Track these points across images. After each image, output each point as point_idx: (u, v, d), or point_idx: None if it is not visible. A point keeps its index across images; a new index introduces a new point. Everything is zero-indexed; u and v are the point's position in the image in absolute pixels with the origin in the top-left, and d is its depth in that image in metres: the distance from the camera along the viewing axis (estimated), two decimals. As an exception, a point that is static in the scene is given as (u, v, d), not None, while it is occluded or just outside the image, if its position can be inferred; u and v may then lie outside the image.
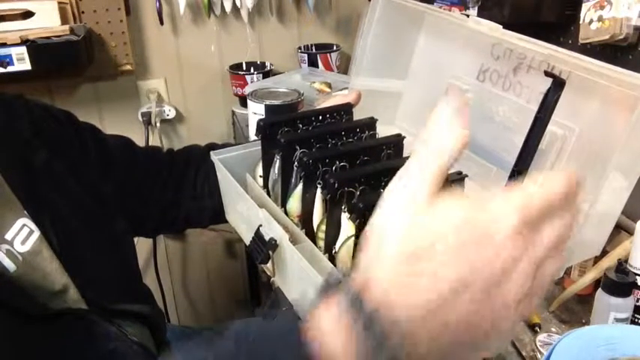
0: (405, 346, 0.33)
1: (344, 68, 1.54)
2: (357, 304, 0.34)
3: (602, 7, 0.83)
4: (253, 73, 1.44)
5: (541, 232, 0.35)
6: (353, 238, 0.57)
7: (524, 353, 0.74)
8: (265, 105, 1.02)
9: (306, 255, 0.59)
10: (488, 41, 0.59)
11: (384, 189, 0.59)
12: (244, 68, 1.48)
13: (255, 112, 1.04)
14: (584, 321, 0.80)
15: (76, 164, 0.76)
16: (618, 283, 0.69)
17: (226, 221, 0.87)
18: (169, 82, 1.51)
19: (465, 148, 0.37)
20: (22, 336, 0.56)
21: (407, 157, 0.64)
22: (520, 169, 0.54)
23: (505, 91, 0.62)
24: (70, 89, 1.43)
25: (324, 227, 0.63)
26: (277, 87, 1.13)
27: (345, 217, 0.59)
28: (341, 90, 1.24)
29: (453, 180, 0.57)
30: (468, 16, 0.61)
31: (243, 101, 1.43)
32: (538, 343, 0.76)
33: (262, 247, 0.66)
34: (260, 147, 0.74)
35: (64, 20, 1.26)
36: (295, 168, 0.67)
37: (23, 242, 0.61)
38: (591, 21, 0.84)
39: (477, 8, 1.00)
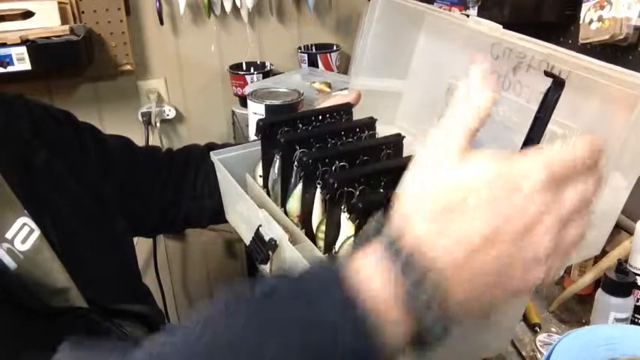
0: (440, 290, 0.35)
1: (344, 68, 1.54)
2: (394, 250, 0.36)
3: (602, 7, 0.83)
4: (253, 73, 1.44)
5: (565, 192, 0.37)
6: (353, 238, 0.57)
7: (524, 353, 0.74)
8: (265, 105, 1.02)
9: (306, 255, 0.59)
10: (488, 41, 0.59)
11: (383, 189, 0.60)
12: (244, 68, 1.48)
13: (255, 112, 1.04)
14: (584, 321, 0.80)
15: (75, 164, 0.76)
16: (618, 283, 0.69)
17: (226, 221, 0.87)
18: (169, 82, 1.51)
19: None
20: (23, 332, 0.56)
21: (407, 157, 0.64)
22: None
23: (505, 91, 0.62)
24: (70, 89, 1.43)
25: (323, 227, 0.63)
26: (277, 87, 1.13)
27: (344, 217, 0.59)
28: (341, 90, 1.24)
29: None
30: (467, 16, 0.61)
31: (243, 101, 1.43)
32: (538, 343, 0.76)
33: (262, 248, 0.66)
34: (260, 147, 0.74)
35: (64, 20, 1.26)
36: (295, 168, 0.67)
37: (23, 241, 0.61)
38: (591, 21, 0.84)
39: (476, 8, 1.00)
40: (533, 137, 0.49)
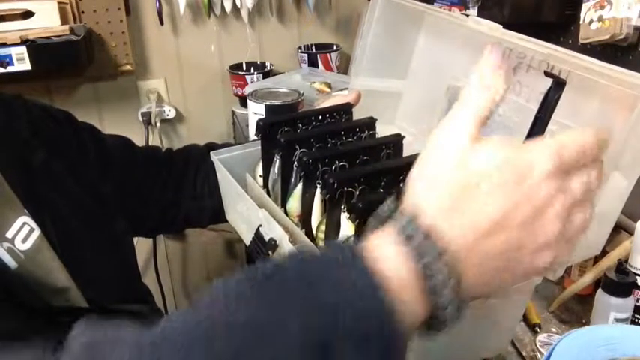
0: (455, 271, 0.36)
1: (344, 68, 1.54)
2: (410, 231, 0.37)
3: (602, 7, 0.83)
4: (253, 73, 1.44)
5: (572, 180, 0.38)
6: (352, 238, 0.56)
7: (524, 353, 0.74)
8: (265, 105, 1.02)
9: (305, 255, 0.59)
10: (488, 41, 0.59)
11: (383, 189, 0.60)
12: (244, 68, 1.48)
13: (255, 112, 1.04)
14: (584, 321, 0.80)
15: (74, 164, 0.76)
16: (618, 283, 0.69)
17: (226, 221, 0.87)
18: (169, 82, 1.51)
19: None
20: (24, 330, 0.56)
21: (407, 157, 0.64)
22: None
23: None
24: (70, 89, 1.43)
25: (323, 227, 0.63)
26: (277, 87, 1.13)
27: (344, 217, 0.59)
28: (341, 90, 1.24)
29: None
30: (467, 16, 0.61)
31: (243, 101, 1.43)
32: (538, 343, 0.76)
33: (262, 248, 0.66)
34: (260, 147, 0.74)
35: (64, 20, 1.26)
36: (295, 168, 0.67)
37: (24, 240, 0.61)
38: (591, 21, 0.84)
39: (476, 8, 1.00)
40: (534, 137, 0.49)
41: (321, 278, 0.36)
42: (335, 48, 1.52)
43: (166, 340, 0.36)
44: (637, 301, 0.71)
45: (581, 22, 0.87)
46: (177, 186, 0.92)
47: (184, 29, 1.48)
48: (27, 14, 1.23)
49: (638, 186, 0.47)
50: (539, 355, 0.74)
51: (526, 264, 0.38)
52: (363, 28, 0.77)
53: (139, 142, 1.16)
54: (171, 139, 1.57)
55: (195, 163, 0.93)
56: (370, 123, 0.72)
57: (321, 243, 0.63)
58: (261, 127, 0.71)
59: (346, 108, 0.76)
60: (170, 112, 1.52)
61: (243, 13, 1.46)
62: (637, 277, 0.71)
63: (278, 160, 0.70)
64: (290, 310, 0.36)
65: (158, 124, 1.50)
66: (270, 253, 0.64)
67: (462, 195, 0.37)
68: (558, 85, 0.47)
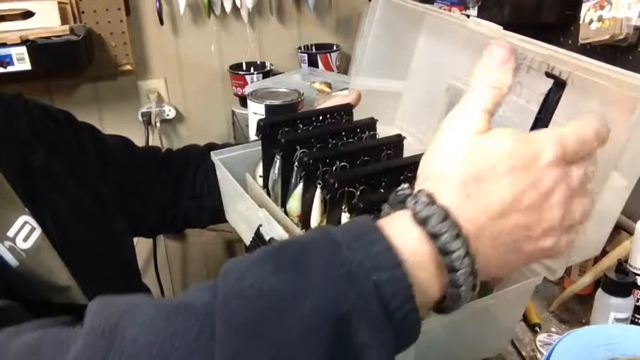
0: (471, 250, 0.37)
1: (344, 68, 1.54)
2: (426, 213, 0.37)
3: (602, 7, 0.83)
4: (253, 73, 1.44)
5: (572, 169, 0.40)
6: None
7: (524, 353, 0.74)
8: (265, 105, 1.02)
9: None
10: (488, 42, 0.59)
11: (384, 189, 0.60)
12: (244, 68, 1.48)
13: (255, 112, 1.04)
14: (584, 321, 0.80)
15: (74, 164, 0.76)
16: (618, 283, 0.69)
17: (226, 221, 0.87)
18: (169, 82, 1.51)
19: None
20: (23, 320, 0.56)
21: (408, 157, 0.64)
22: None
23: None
24: (70, 89, 1.43)
25: (324, 227, 0.63)
26: (277, 87, 1.13)
27: (345, 217, 0.59)
28: (341, 90, 1.24)
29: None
30: (468, 16, 0.61)
31: (243, 101, 1.43)
32: (538, 343, 0.76)
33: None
34: (260, 147, 0.74)
35: (64, 20, 1.26)
36: (295, 168, 0.67)
37: (25, 239, 0.61)
38: (591, 21, 0.84)
39: (476, 8, 1.00)
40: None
41: (339, 249, 0.37)
42: (335, 48, 1.52)
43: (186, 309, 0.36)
44: (637, 301, 0.71)
45: (581, 22, 0.87)
46: (176, 185, 0.92)
47: (184, 29, 1.48)
48: (27, 14, 1.23)
49: (638, 186, 0.47)
50: (539, 355, 0.74)
51: (532, 247, 0.40)
52: (364, 29, 0.77)
53: (139, 142, 1.16)
54: (171, 139, 1.57)
55: (195, 162, 0.93)
56: (371, 123, 0.72)
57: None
58: (261, 127, 0.71)
59: (347, 108, 0.76)
60: (170, 112, 1.52)
61: (243, 13, 1.46)
62: (637, 277, 0.71)
63: (278, 160, 0.70)
64: (308, 280, 0.36)
65: (158, 124, 1.50)
66: (270, 253, 0.64)
67: (474, 179, 0.38)
68: (558, 85, 0.47)
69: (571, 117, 0.41)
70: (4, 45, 1.14)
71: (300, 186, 0.67)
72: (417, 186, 0.41)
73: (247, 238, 0.73)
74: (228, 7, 1.43)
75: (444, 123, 0.42)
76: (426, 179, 0.41)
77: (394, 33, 0.77)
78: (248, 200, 0.72)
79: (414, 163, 0.57)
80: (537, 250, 0.40)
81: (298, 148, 0.67)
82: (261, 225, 0.68)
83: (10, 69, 1.15)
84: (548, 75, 0.47)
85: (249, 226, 0.72)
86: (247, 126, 1.16)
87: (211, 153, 0.79)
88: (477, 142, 0.40)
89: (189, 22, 1.47)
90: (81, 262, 0.67)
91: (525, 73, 0.52)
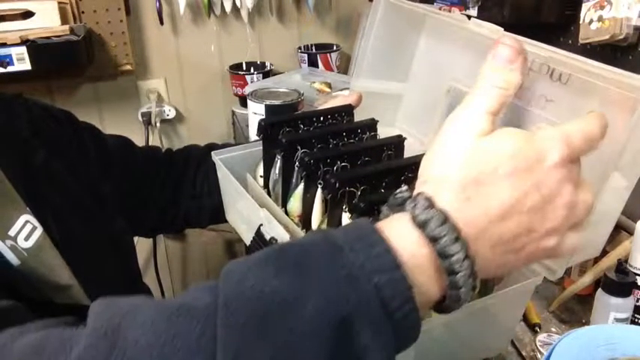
0: (470, 252, 0.37)
1: (344, 68, 1.54)
2: (425, 216, 0.37)
3: (602, 7, 0.83)
4: (253, 73, 1.44)
5: (576, 167, 0.40)
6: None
7: (524, 353, 0.74)
8: (265, 105, 1.02)
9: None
10: (489, 43, 0.59)
11: (385, 189, 0.60)
12: (244, 68, 1.48)
13: (255, 112, 1.04)
14: (584, 321, 0.80)
15: (74, 164, 0.76)
16: (618, 283, 0.69)
17: (226, 221, 0.87)
18: (169, 82, 1.51)
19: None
20: (26, 321, 0.56)
21: (408, 158, 0.65)
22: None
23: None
24: (70, 89, 1.43)
25: (324, 227, 0.63)
26: (277, 87, 1.13)
27: (346, 217, 0.59)
28: (341, 90, 1.24)
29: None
30: (468, 16, 0.61)
31: (243, 101, 1.43)
32: (538, 343, 0.76)
33: (263, 247, 0.66)
34: (260, 147, 0.74)
35: (64, 20, 1.26)
36: (296, 168, 0.68)
37: (26, 238, 0.61)
38: (591, 21, 0.84)
39: (476, 8, 1.00)
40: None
41: (340, 252, 0.37)
42: (335, 48, 1.52)
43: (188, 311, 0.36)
44: (637, 301, 0.72)
45: (581, 22, 0.87)
46: (176, 185, 0.92)
47: (184, 29, 1.48)
48: (27, 14, 1.23)
49: (638, 186, 0.47)
50: (539, 355, 0.74)
51: (534, 247, 0.40)
52: (364, 30, 0.77)
53: (139, 142, 1.16)
54: (171, 139, 1.57)
55: (195, 162, 0.93)
56: (371, 124, 0.72)
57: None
58: (262, 127, 0.71)
59: (347, 109, 0.76)
60: (170, 112, 1.52)
61: (243, 13, 1.46)
62: (637, 277, 0.72)
63: (279, 160, 0.70)
64: (310, 282, 0.36)
65: (158, 124, 1.50)
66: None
67: (474, 182, 0.38)
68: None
69: (571, 118, 0.41)
70: (4, 45, 1.14)
71: (301, 186, 0.67)
72: (418, 187, 0.41)
73: (247, 238, 0.73)
74: (228, 7, 1.43)
75: (446, 124, 0.42)
76: (426, 181, 0.40)
77: (395, 34, 0.77)
78: (248, 200, 0.72)
79: (414, 163, 0.57)
80: (540, 250, 0.40)
81: (299, 148, 0.67)
82: (262, 225, 0.68)
83: (10, 69, 1.15)
84: None
85: (249, 226, 0.72)
86: (247, 126, 1.16)
87: (212, 153, 0.79)
88: (479, 144, 0.39)
89: (189, 22, 1.47)
90: (82, 261, 0.67)
91: (526, 74, 0.52)
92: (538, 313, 0.82)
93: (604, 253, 0.76)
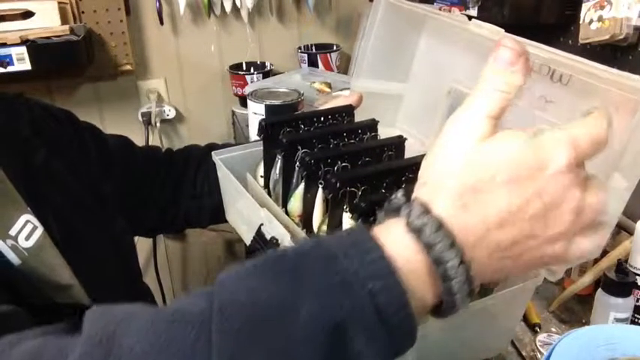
0: (466, 259, 0.36)
1: (344, 68, 1.54)
2: (421, 222, 0.37)
3: (602, 7, 0.83)
4: (253, 73, 1.44)
5: (582, 171, 0.39)
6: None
7: (524, 353, 0.74)
8: (265, 105, 1.02)
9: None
10: (490, 44, 0.59)
11: (385, 189, 0.60)
12: (244, 68, 1.48)
13: (256, 112, 1.04)
14: (584, 321, 0.80)
15: (75, 164, 0.76)
16: (618, 283, 0.69)
17: (226, 221, 0.88)
18: (169, 82, 1.52)
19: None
20: (26, 326, 0.56)
21: (409, 158, 0.65)
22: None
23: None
24: (71, 89, 1.43)
25: (325, 227, 0.63)
26: (277, 87, 1.13)
27: (346, 217, 0.59)
28: (341, 90, 1.24)
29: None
30: (469, 17, 0.61)
31: (243, 101, 1.43)
32: (538, 343, 0.76)
33: (263, 247, 0.66)
34: (261, 147, 0.74)
35: (64, 20, 1.26)
36: (297, 168, 0.68)
37: (27, 238, 0.61)
38: (591, 21, 0.85)
39: (476, 8, 1.00)
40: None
41: (335, 258, 0.36)
42: (335, 48, 1.52)
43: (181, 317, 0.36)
44: (637, 301, 0.72)
45: (581, 22, 0.87)
46: (176, 185, 0.92)
47: (184, 29, 1.48)
48: (27, 14, 1.23)
49: (639, 187, 0.47)
50: (539, 355, 0.74)
51: (537, 253, 0.39)
52: (365, 30, 0.77)
53: (139, 142, 1.16)
54: (171, 139, 1.57)
55: (196, 162, 0.93)
56: (372, 125, 0.72)
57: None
58: (263, 127, 0.71)
59: (348, 110, 0.76)
60: (170, 112, 1.52)
61: (243, 13, 1.46)
62: (637, 277, 0.72)
63: (280, 160, 0.70)
64: (304, 288, 0.36)
65: (158, 124, 1.50)
66: (271, 252, 0.64)
67: (472, 190, 0.37)
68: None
69: (571, 119, 0.41)
70: (4, 45, 1.14)
71: (302, 186, 0.67)
72: (417, 187, 0.40)
73: (247, 238, 0.73)
74: (228, 7, 1.43)
75: (447, 126, 0.41)
76: (425, 182, 0.40)
77: (395, 35, 0.77)
78: (249, 200, 0.72)
79: (415, 164, 0.57)
80: (545, 256, 0.39)
81: (300, 148, 0.67)
82: (262, 224, 0.68)
83: (10, 69, 1.15)
84: None
85: (249, 226, 0.73)
86: (247, 126, 1.16)
87: (212, 153, 0.79)
88: (479, 148, 0.38)
89: (189, 22, 1.47)
90: (82, 260, 0.67)
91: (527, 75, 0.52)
92: (538, 313, 0.82)
93: (604, 253, 0.76)
